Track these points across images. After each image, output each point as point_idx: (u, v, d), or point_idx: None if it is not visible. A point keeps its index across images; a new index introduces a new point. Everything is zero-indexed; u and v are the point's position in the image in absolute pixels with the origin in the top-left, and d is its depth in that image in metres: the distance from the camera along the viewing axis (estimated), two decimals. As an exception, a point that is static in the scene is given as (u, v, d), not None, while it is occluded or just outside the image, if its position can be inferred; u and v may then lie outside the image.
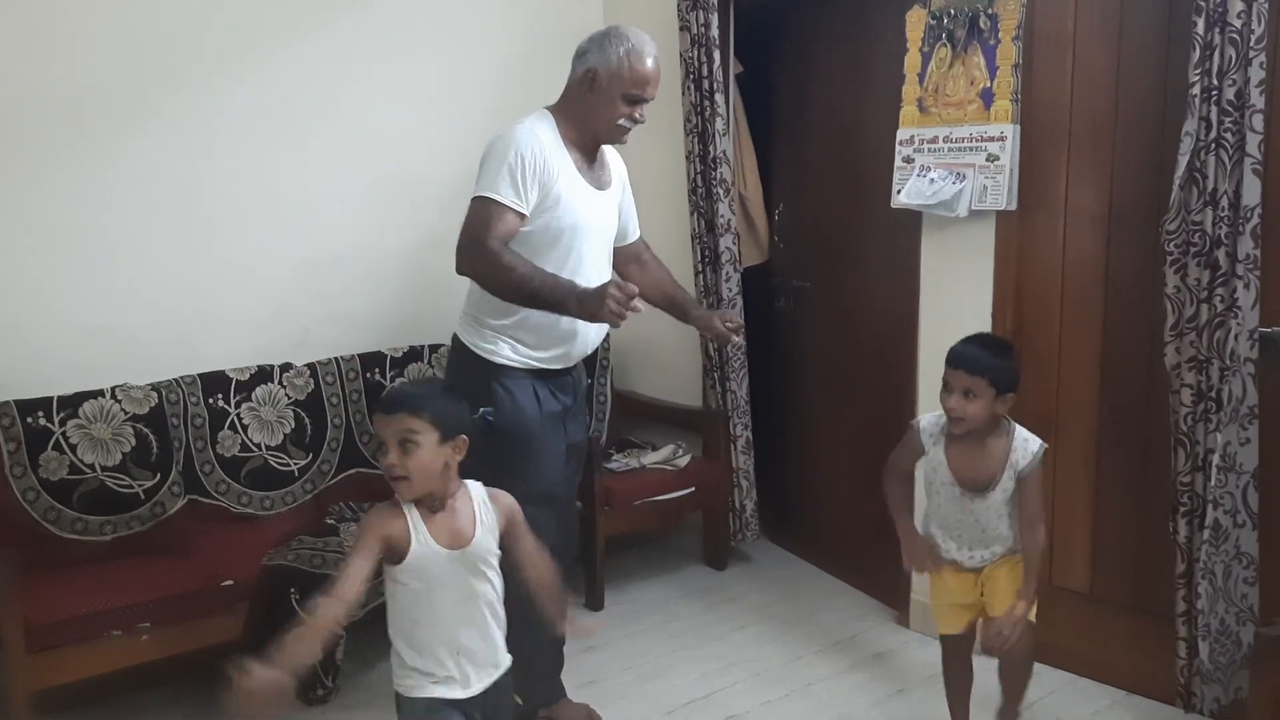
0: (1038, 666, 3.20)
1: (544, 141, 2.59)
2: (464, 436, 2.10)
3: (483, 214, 2.51)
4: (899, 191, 3.27)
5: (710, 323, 2.90)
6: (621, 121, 2.65)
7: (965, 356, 2.47)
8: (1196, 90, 2.54)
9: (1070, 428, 3.13)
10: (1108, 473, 3.07)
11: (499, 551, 2.16)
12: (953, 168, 3.15)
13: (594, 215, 2.71)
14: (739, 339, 2.90)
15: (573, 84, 2.68)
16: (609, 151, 2.85)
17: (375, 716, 3.00)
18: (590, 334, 2.77)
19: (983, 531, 2.56)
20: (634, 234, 3.01)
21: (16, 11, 3.07)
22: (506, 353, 2.67)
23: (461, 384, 2.60)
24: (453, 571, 2.10)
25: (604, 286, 2.39)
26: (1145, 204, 2.86)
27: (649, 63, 2.62)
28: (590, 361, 3.20)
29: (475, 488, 2.19)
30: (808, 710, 3.03)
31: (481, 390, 2.62)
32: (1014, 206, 3.08)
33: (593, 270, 2.71)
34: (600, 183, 2.76)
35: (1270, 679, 2.19)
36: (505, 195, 2.51)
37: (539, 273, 2.50)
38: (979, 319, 3.19)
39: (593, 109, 2.64)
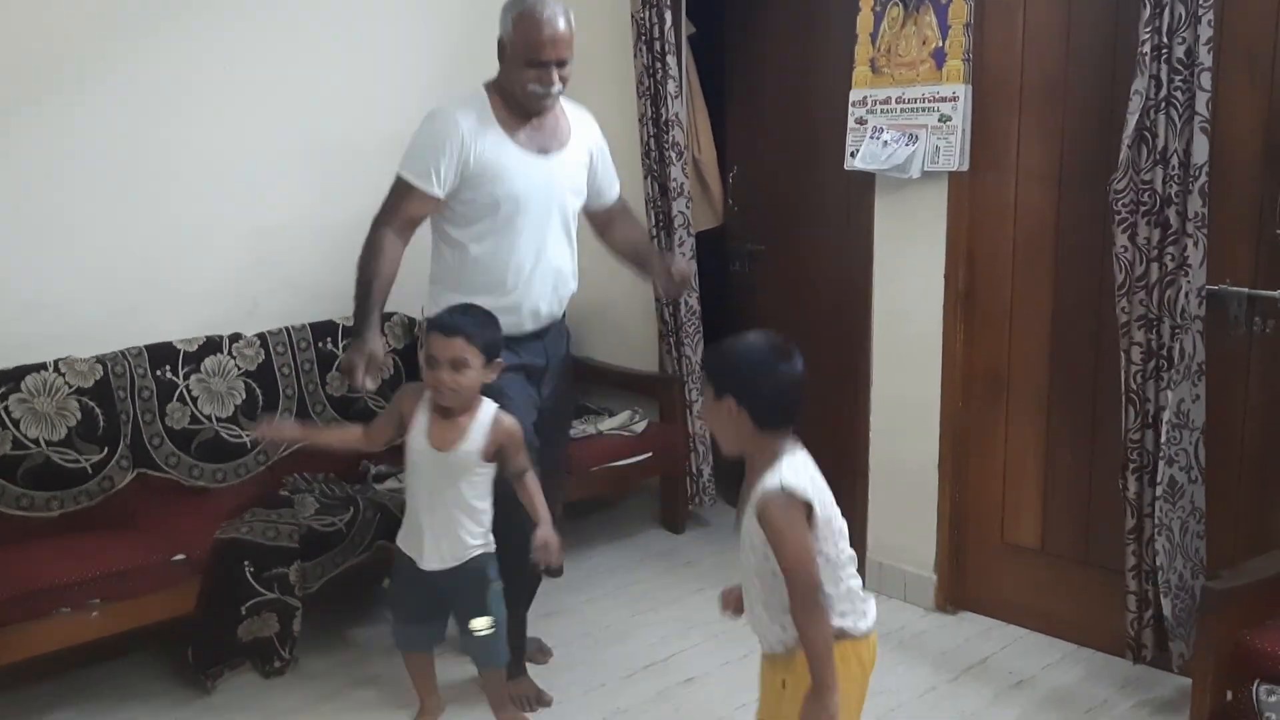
0: (989, 622, 3.27)
1: (469, 119, 2.65)
2: (499, 360, 2.55)
3: (393, 194, 2.69)
4: (853, 154, 3.27)
5: (662, 269, 2.90)
6: (531, 88, 2.64)
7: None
8: (1147, 49, 2.55)
9: (1021, 385, 3.17)
10: (1058, 429, 3.11)
11: (479, 468, 2.57)
12: (905, 129, 3.15)
13: (535, 182, 2.71)
14: (686, 289, 2.92)
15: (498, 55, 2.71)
16: (571, 116, 2.84)
17: (333, 688, 2.99)
18: (540, 303, 2.79)
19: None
20: (611, 194, 3.00)
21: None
22: None
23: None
24: (427, 467, 2.58)
25: (357, 355, 2.64)
26: (1095, 163, 2.88)
27: (543, 26, 2.59)
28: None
29: (487, 410, 2.58)
30: (766, 670, 3.06)
31: None
32: (966, 167, 3.09)
33: (540, 239, 2.74)
34: (546, 148, 2.74)
35: (1216, 631, 2.23)
36: (416, 176, 2.64)
37: (368, 288, 2.65)
38: (932, 280, 3.21)
39: (508, 78, 2.68)
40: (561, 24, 2.61)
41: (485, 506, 2.63)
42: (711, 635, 3.26)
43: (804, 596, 1.84)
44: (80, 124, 3.20)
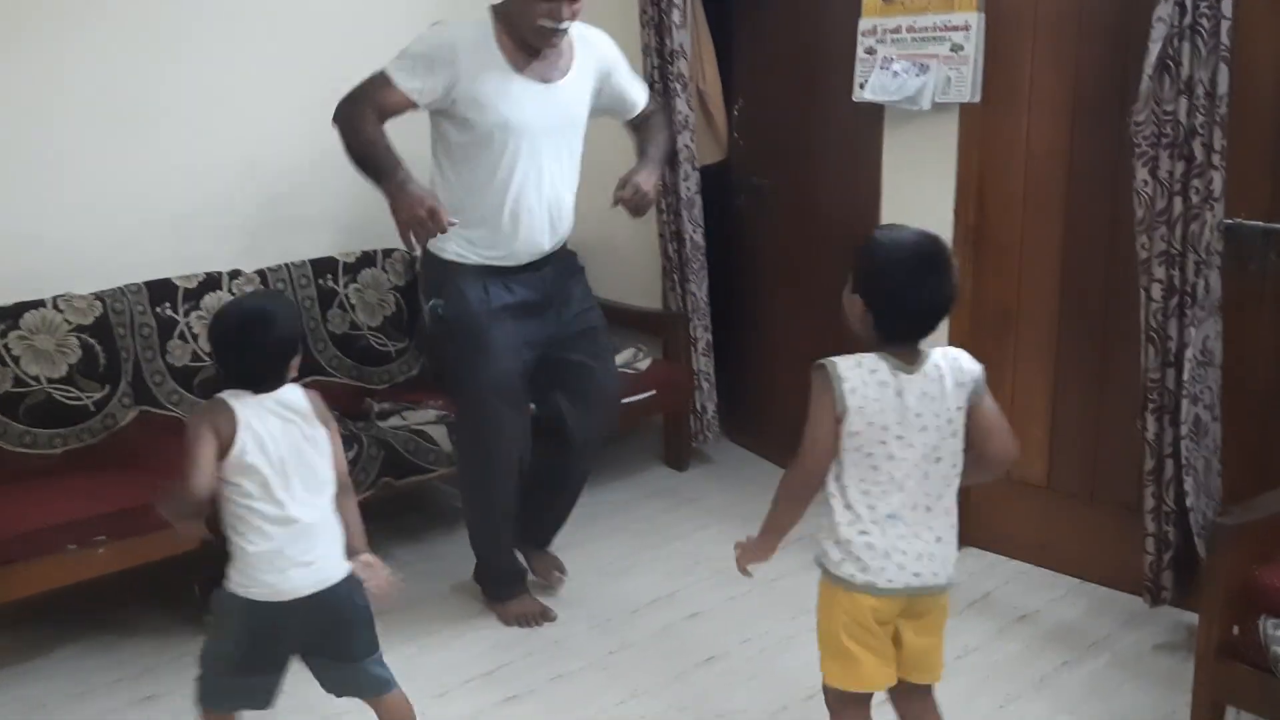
0: (993, 558, 3.28)
1: (465, 42, 2.60)
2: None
3: (370, 83, 2.62)
4: (862, 85, 3.20)
5: (623, 179, 2.77)
6: (541, 22, 2.58)
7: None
8: (1170, -27, 2.48)
9: (1030, 322, 3.14)
10: (1067, 367, 3.09)
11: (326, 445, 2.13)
12: (916, 59, 3.08)
13: (535, 112, 2.67)
14: (633, 210, 2.83)
15: None
16: (576, 39, 2.77)
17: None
18: (535, 235, 2.75)
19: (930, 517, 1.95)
20: (636, 107, 2.95)
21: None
22: (454, 249, 2.74)
23: (423, 281, 2.67)
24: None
25: (417, 201, 2.46)
26: (1111, 95, 2.82)
27: None
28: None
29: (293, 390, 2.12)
30: (770, 605, 3.07)
31: (435, 285, 2.76)
32: (978, 98, 3.03)
33: (537, 169, 2.70)
34: (548, 76, 2.69)
35: (1225, 566, 2.23)
36: (400, 74, 2.60)
37: (375, 146, 2.55)
38: (941, 214, 3.16)
39: (517, 8, 2.62)
40: None
41: None
42: (716, 571, 3.27)
43: (793, 470, 1.92)
44: (76, 58, 3.13)
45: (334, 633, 2.10)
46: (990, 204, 3.14)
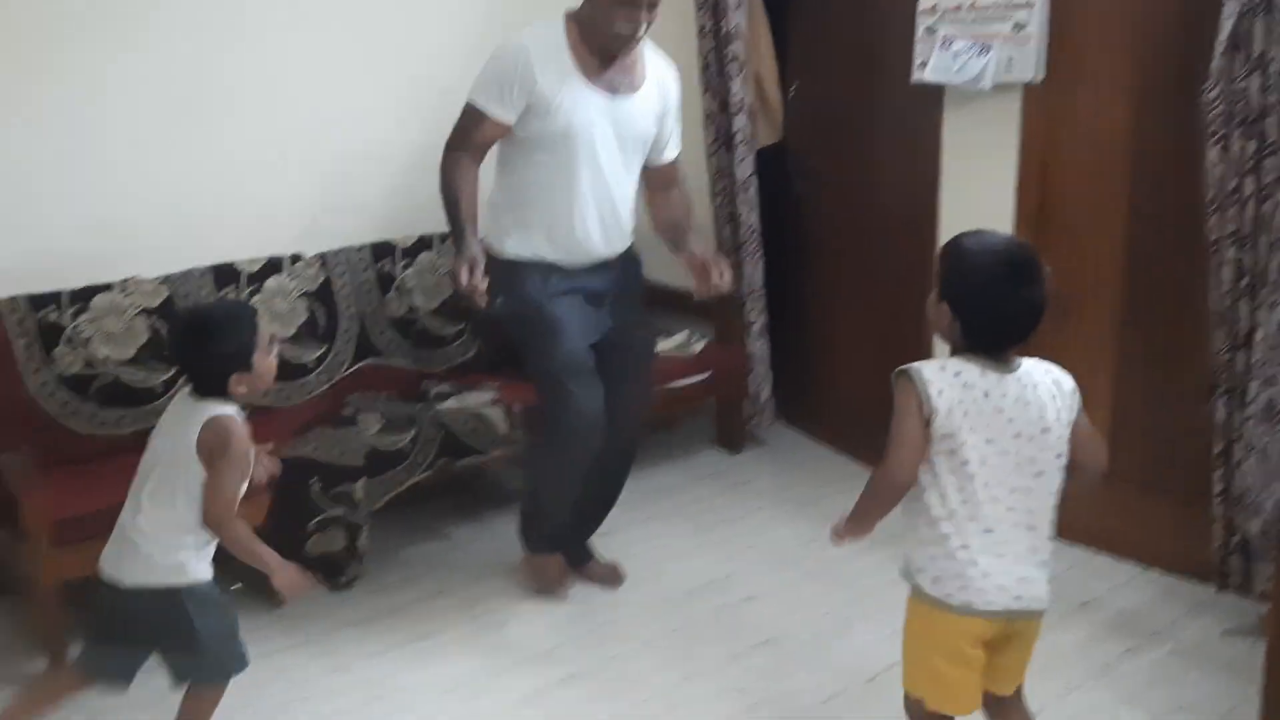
0: (1054, 544, 3.23)
1: (540, 49, 2.62)
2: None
3: (464, 120, 2.69)
4: (921, 65, 3.16)
5: (695, 262, 2.80)
6: (618, 28, 2.59)
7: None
8: (1243, -51, 2.42)
9: (1093, 305, 3.09)
10: (1131, 349, 3.04)
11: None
12: (977, 38, 3.04)
13: (601, 121, 2.68)
14: (717, 291, 2.87)
15: None
16: (650, 63, 2.79)
17: (399, 602, 3.05)
18: (591, 242, 2.78)
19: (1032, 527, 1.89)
20: (669, 154, 2.93)
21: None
22: (512, 246, 2.77)
23: (488, 274, 2.66)
24: None
25: (459, 261, 2.56)
26: (1179, 73, 2.76)
27: None
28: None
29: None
30: (825, 589, 3.07)
31: (496, 283, 2.73)
32: (1041, 78, 2.98)
33: (599, 177, 2.72)
34: (616, 88, 2.71)
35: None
36: (487, 104, 2.64)
37: (455, 207, 2.66)
38: (1002, 196, 3.12)
39: (592, 13, 2.63)
40: None
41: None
42: (770, 554, 3.27)
43: (881, 471, 1.86)
44: (149, 45, 3.19)
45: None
46: (1053, 186, 3.09)
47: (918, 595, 1.91)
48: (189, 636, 2.12)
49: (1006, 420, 1.82)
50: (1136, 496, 3.08)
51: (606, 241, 2.81)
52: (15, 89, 3.01)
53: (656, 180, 2.96)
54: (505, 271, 2.78)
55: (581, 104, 2.65)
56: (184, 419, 2.11)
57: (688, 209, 3.00)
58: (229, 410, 2.13)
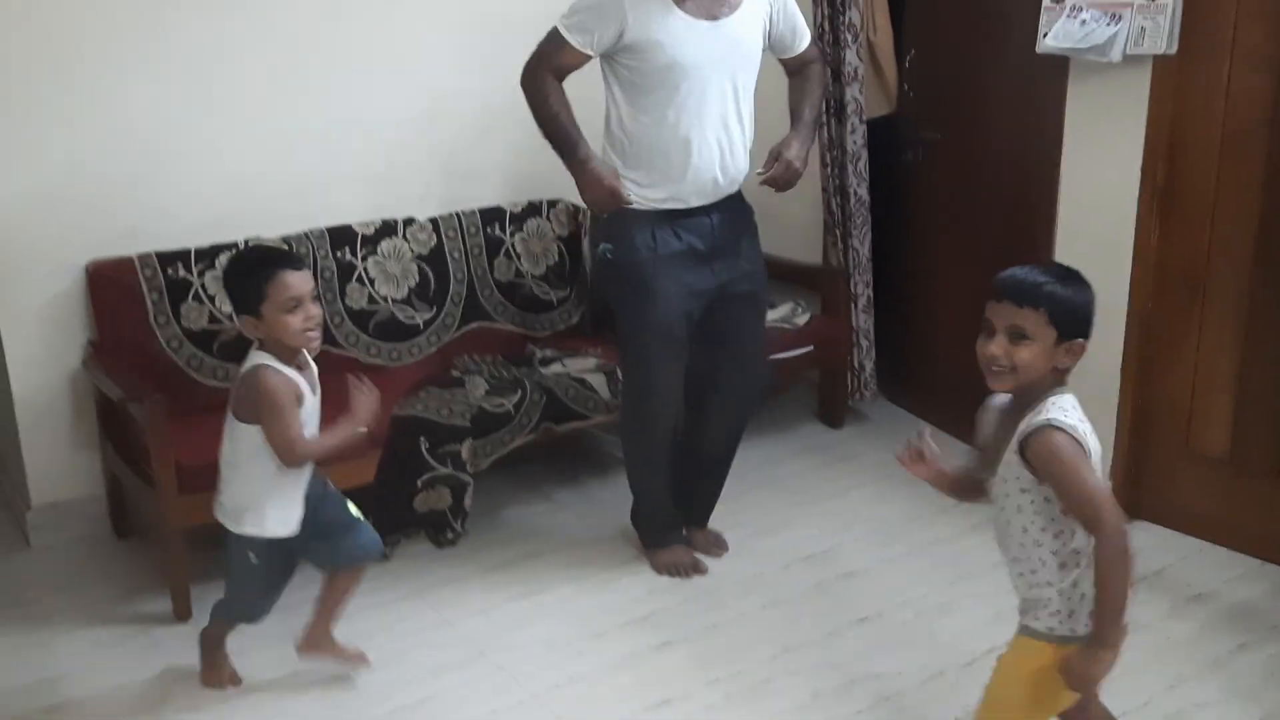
0: (1167, 533, 3.15)
1: None
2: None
3: (548, 44, 2.71)
4: (1045, 35, 3.06)
5: (773, 155, 2.81)
6: None
7: (1017, 283, 1.89)
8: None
9: (1219, 287, 2.97)
10: (1258, 337, 2.92)
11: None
12: (1107, 8, 2.92)
13: (703, 50, 2.65)
14: (780, 186, 2.80)
15: None
16: None
17: (501, 559, 3.12)
18: (704, 174, 2.74)
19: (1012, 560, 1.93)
20: (798, 46, 2.88)
21: None
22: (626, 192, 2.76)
23: (593, 226, 2.72)
24: None
25: (598, 179, 2.65)
26: (1325, 45, 2.63)
27: None
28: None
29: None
30: (927, 569, 3.04)
31: (605, 230, 2.81)
32: (1174, 50, 2.86)
33: (707, 109, 2.69)
34: (713, 12, 2.66)
35: None
36: (570, 31, 2.66)
37: (559, 122, 2.69)
38: (1127, 172, 3.01)
39: None
40: None
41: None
42: (872, 531, 3.25)
43: (1112, 551, 1.72)
44: (266, 13, 3.28)
45: None
46: (1181, 163, 2.96)
47: (1040, 637, 1.86)
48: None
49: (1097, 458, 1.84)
50: (1259, 485, 2.97)
51: (724, 171, 2.76)
52: (142, 52, 3.13)
53: (792, 65, 2.93)
54: (614, 218, 2.78)
55: (680, 35, 2.62)
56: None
57: (812, 97, 2.91)
58: (261, 360, 2.27)
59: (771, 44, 2.84)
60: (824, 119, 3.78)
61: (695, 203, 2.77)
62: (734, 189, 2.84)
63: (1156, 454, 3.18)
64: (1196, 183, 2.95)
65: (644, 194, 2.75)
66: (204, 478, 2.72)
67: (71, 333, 3.13)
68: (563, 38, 2.67)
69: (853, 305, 3.91)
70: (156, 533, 2.84)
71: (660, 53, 2.62)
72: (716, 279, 2.83)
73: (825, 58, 2.91)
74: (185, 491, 2.71)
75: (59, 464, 3.20)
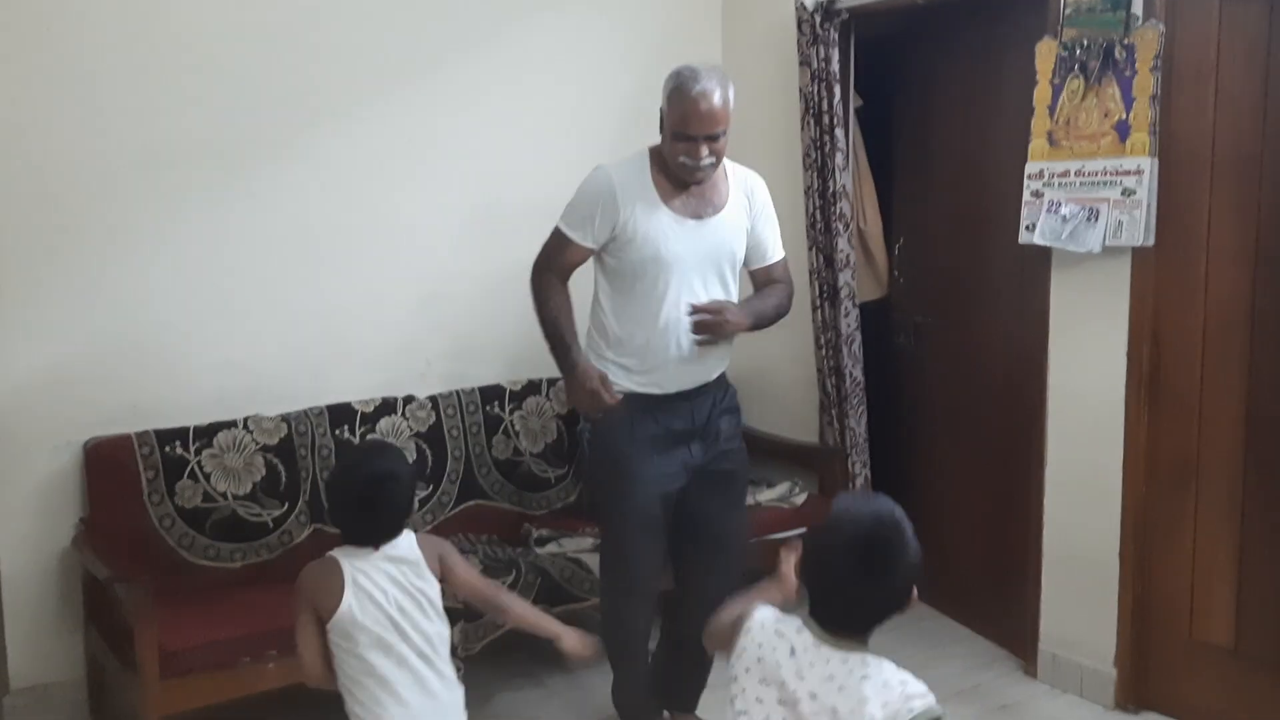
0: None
1: (623, 179, 2.74)
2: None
3: (551, 242, 2.82)
4: (1029, 228, 3.17)
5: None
6: (681, 159, 2.68)
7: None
8: (1356, 119, 2.40)
9: (1212, 474, 2.98)
10: (1254, 523, 2.90)
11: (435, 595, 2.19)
12: (1085, 202, 3.04)
13: (686, 246, 2.74)
14: (705, 326, 2.76)
15: None
16: (734, 178, 2.85)
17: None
18: (685, 365, 2.78)
19: None
20: (771, 257, 2.94)
21: (170, 58, 3.22)
22: (608, 376, 2.78)
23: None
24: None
25: (587, 377, 2.69)
26: (1297, 240, 2.72)
27: (693, 101, 2.61)
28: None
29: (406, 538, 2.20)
30: (929, 764, 2.93)
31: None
32: (1151, 242, 2.96)
33: (690, 299, 2.74)
34: (699, 212, 2.76)
35: None
36: (571, 229, 2.77)
37: (557, 326, 2.77)
38: (1113, 359, 3.07)
39: (663, 146, 2.75)
40: (715, 99, 2.62)
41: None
42: (872, 722, 3.15)
43: None
44: (273, 197, 3.43)
45: None
46: (1166, 351, 3.03)
47: None
48: None
49: (808, 695, 1.68)
50: (1267, 677, 2.90)
51: (702, 362, 2.81)
52: (148, 236, 3.24)
53: (760, 278, 2.97)
54: None
55: (666, 231, 2.71)
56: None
57: (768, 294, 2.93)
58: (332, 553, 2.16)
59: (754, 252, 2.91)
60: (818, 303, 3.88)
61: (674, 389, 2.80)
62: (714, 376, 2.87)
63: (1159, 642, 3.12)
64: (1182, 371, 3.01)
65: (627, 377, 2.79)
66: (187, 662, 2.69)
67: (64, 511, 3.13)
68: (565, 235, 2.78)
69: (850, 485, 3.90)
70: None
71: (647, 246, 2.72)
72: (694, 459, 2.84)
73: (790, 288, 3.00)
74: (167, 676, 2.64)
75: (42, 646, 3.14)
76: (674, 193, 2.76)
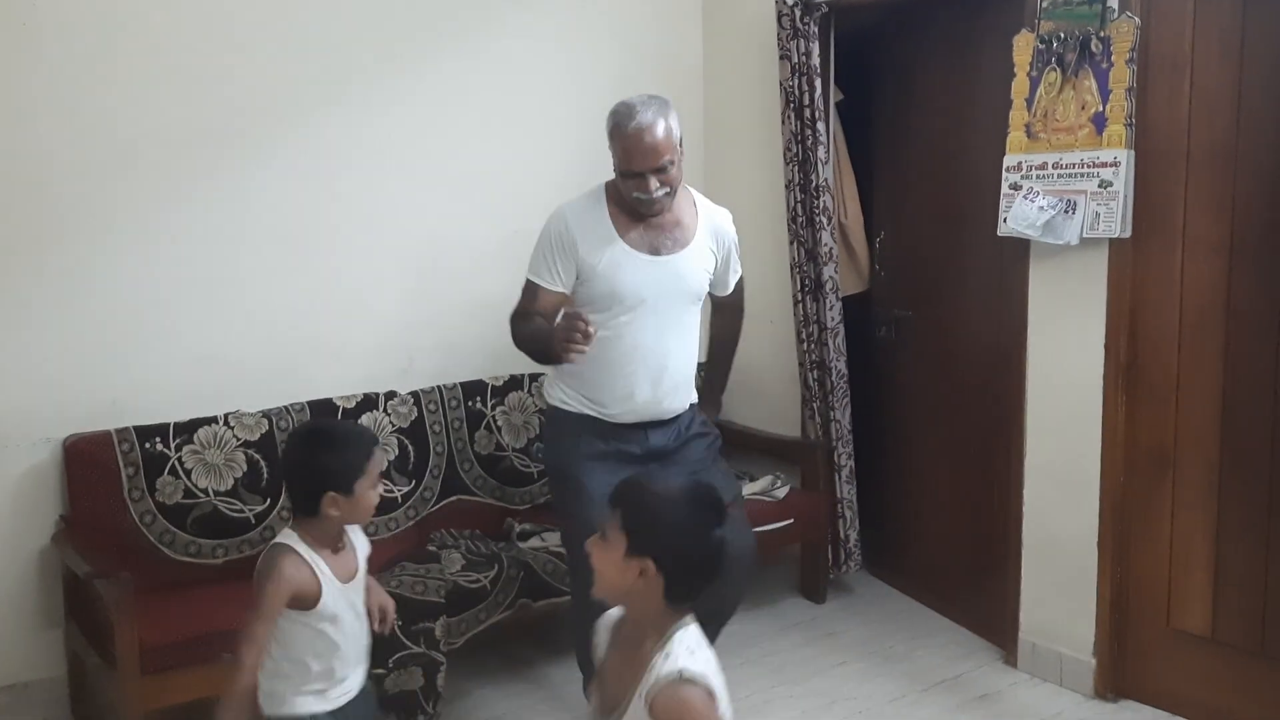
0: (1153, 713, 3.08)
1: (578, 217, 2.73)
2: (368, 475, 2.15)
3: (523, 295, 2.79)
4: (1006, 219, 3.19)
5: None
6: (634, 195, 2.66)
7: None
8: (1328, 110, 2.42)
9: (1189, 463, 3.00)
10: (1231, 512, 2.93)
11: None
12: (1062, 194, 3.06)
13: (643, 282, 2.71)
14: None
15: None
16: (702, 214, 2.83)
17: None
18: (637, 400, 2.74)
19: None
20: (730, 286, 2.99)
21: (147, 55, 3.21)
22: (559, 394, 2.82)
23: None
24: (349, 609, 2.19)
25: (564, 319, 2.57)
26: (1271, 229, 2.75)
27: (631, 138, 2.58)
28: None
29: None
30: (912, 752, 2.95)
31: (542, 427, 2.92)
32: (1128, 234, 2.98)
33: (650, 336, 2.74)
34: (658, 248, 2.74)
35: None
36: (538, 276, 2.75)
37: (526, 326, 2.71)
38: (1091, 350, 3.09)
39: (617, 181, 2.72)
40: (657, 132, 2.58)
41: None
42: (856, 712, 3.17)
43: None
44: (253, 193, 3.42)
45: None
46: (1143, 341, 3.05)
47: None
48: None
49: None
50: (1243, 663, 2.93)
51: (656, 399, 2.77)
52: (131, 232, 3.23)
53: (718, 302, 3.06)
54: (549, 418, 2.87)
55: (623, 266, 2.70)
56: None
57: (728, 336, 3.13)
58: (289, 542, 2.12)
59: (715, 283, 2.93)
60: (800, 297, 3.89)
61: (627, 420, 2.76)
62: (672, 413, 2.82)
63: (1138, 631, 3.15)
64: (1159, 360, 3.03)
65: (578, 398, 2.77)
66: (168, 658, 2.69)
67: (44, 508, 3.12)
68: (533, 284, 2.76)
69: (836, 476, 3.92)
70: (116, 717, 2.75)
71: (603, 281, 2.70)
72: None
73: (740, 309, 3.11)
74: (148, 673, 2.64)
75: (22, 644, 3.13)
76: (631, 226, 2.73)
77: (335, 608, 2.12)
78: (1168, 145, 2.95)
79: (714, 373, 3.23)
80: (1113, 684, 3.18)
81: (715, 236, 2.86)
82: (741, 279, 3.04)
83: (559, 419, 2.82)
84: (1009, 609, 3.39)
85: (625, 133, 2.59)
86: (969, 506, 3.72)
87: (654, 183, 2.62)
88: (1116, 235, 2.97)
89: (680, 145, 2.67)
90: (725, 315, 3.13)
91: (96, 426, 3.12)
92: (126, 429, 3.13)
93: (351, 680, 2.18)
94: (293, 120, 3.46)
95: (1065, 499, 3.19)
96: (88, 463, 3.08)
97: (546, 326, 2.69)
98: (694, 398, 2.90)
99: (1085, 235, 3.02)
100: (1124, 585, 3.14)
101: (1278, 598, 2.83)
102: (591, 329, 2.48)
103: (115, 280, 3.21)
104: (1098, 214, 2.99)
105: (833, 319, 3.85)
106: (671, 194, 2.69)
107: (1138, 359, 3.06)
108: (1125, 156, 2.94)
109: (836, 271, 3.85)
